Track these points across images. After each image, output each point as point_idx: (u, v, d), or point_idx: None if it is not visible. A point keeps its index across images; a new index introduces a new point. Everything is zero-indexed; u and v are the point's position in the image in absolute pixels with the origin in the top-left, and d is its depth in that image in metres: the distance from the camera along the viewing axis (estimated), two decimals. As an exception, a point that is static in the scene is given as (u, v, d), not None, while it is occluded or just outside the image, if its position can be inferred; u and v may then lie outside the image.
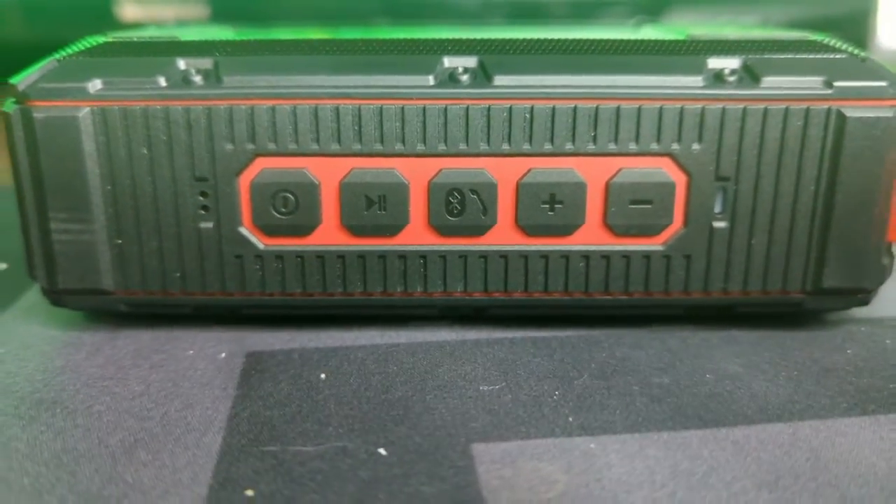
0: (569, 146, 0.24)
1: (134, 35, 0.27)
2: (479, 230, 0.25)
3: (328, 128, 0.24)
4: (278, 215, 0.24)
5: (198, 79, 0.24)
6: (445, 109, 0.24)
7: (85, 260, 0.25)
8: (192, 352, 0.25)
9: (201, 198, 0.24)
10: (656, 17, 0.57)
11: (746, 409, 0.22)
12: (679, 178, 0.24)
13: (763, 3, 0.58)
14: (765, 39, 0.26)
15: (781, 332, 0.27)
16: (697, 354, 0.25)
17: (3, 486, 0.19)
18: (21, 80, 0.24)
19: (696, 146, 0.24)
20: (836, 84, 0.24)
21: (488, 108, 0.24)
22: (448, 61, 0.24)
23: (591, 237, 0.25)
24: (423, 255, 0.25)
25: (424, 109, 0.24)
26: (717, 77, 0.24)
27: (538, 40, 0.26)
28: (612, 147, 0.24)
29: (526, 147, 0.24)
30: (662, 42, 0.26)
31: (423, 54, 0.25)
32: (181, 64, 0.24)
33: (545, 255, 0.25)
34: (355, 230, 0.25)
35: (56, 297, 0.26)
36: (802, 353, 0.25)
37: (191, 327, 0.27)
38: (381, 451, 0.20)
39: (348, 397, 0.22)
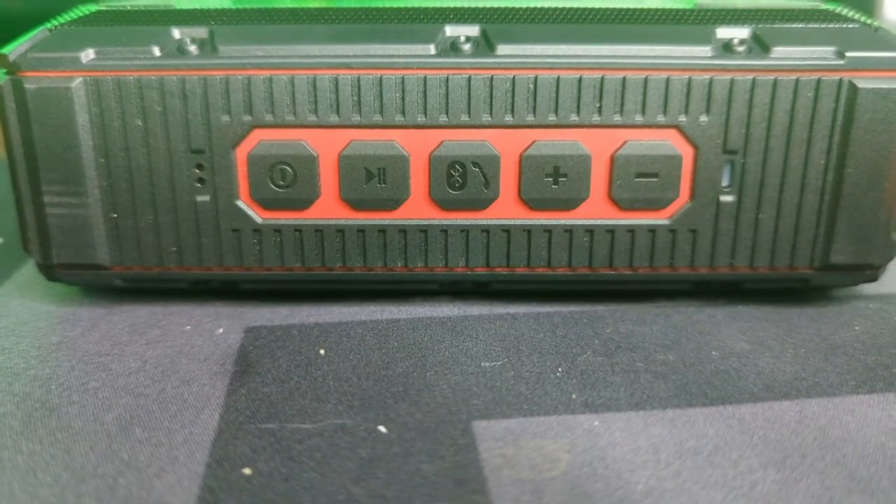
0: (573, 118, 0.23)
1: (127, 3, 0.26)
2: (482, 204, 0.24)
3: (327, 99, 0.23)
4: (276, 188, 0.24)
5: (193, 48, 0.23)
6: (447, 79, 0.23)
7: (79, 234, 0.24)
8: (189, 327, 0.25)
9: (197, 170, 0.24)
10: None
11: (753, 387, 0.21)
12: (686, 151, 0.24)
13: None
14: (775, 8, 0.25)
15: (788, 308, 0.26)
16: (703, 331, 0.25)
17: (-3, 464, 0.18)
18: (12, 50, 0.23)
19: (703, 118, 0.23)
20: (849, 54, 0.23)
21: (491, 79, 0.23)
22: (450, 30, 0.24)
23: (595, 211, 0.24)
24: (424, 230, 0.25)
25: (425, 79, 0.23)
26: (726, 47, 0.23)
27: (542, 9, 0.25)
28: (617, 119, 0.23)
29: (529, 118, 0.23)
30: (669, 11, 0.25)
31: (424, 23, 0.24)
32: (176, 33, 0.24)
33: (549, 230, 0.25)
34: (355, 204, 0.24)
35: (51, 271, 0.25)
36: (809, 330, 0.25)
37: (188, 302, 0.27)
38: (381, 428, 0.20)
39: (348, 373, 0.22)
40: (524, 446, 0.19)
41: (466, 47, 0.23)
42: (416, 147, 0.24)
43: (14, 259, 0.30)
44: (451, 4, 0.25)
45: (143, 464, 0.18)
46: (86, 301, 0.27)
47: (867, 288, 0.27)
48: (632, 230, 0.25)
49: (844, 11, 0.25)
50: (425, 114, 0.23)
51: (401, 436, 0.19)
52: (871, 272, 0.25)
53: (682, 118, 0.23)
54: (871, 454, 0.19)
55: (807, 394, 0.21)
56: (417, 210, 0.24)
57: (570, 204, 0.24)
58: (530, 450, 0.19)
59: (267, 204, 0.24)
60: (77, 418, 0.20)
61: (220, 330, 0.25)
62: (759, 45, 0.23)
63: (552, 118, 0.23)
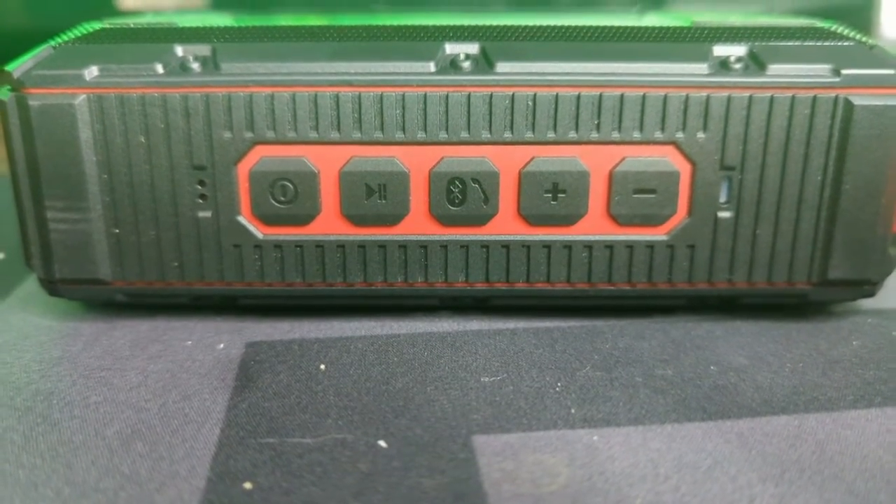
0: (572, 134, 0.24)
1: (131, 21, 0.27)
2: (481, 220, 0.24)
3: (328, 115, 0.23)
4: (277, 204, 0.24)
5: (196, 66, 0.24)
6: (447, 97, 0.23)
7: (82, 249, 0.24)
8: (190, 342, 0.25)
9: (199, 186, 0.24)
10: (660, 5, 0.56)
11: (751, 402, 0.22)
12: (683, 167, 0.24)
13: (767, -9, 0.57)
14: (771, 27, 0.25)
15: (786, 323, 0.26)
16: (701, 346, 0.25)
17: (-1, 478, 0.18)
18: (16, 67, 0.24)
19: (700, 135, 0.24)
20: (844, 72, 0.23)
21: (490, 96, 0.23)
22: (449, 48, 0.24)
23: (594, 227, 0.25)
24: (424, 245, 0.25)
25: (425, 96, 0.23)
26: (723, 64, 0.24)
27: (541, 27, 0.25)
28: (615, 135, 0.24)
29: (528, 135, 0.24)
30: (667, 29, 0.25)
31: (424, 41, 0.24)
32: (179, 51, 0.24)
33: (548, 245, 0.25)
34: (355, 219, 0.24)
35: (53, 286, 0.25)
36: (808, 345, 0.25)
37: (189, 317, 0.27)
38: (381, 443, 0.20)
39: (348, 388, 0.22)
40: (524, 461, 0.19)
41: (466, 65, 0.24)
42: (417, 163, 0.24)
43: (16, 274, 0.30)
44: (451, 23, 0.26)
45: (144, 478, 0.18)
46: (87, 316, 0.27)
47: (865, 303, 0.28)
48: (630, 246, 0.25)
49: (840, 29, 0.25)
50: (425, 130, 0.24)
51: (401, 450, 0.19)
52: (869, 287, 0.25)
53: (680, 135, 0.24)
54: (868, 468, 0.19)
55: (805, 408, 0.21)
56: (417, 226, 0.25)
57: (568, 220, 0.24)
58: (530, 464, 0.19)
59: (268, 220, 0.24)
60: (78, 433, 0.20)
61: (221, 345, 0.25)
62: (756, 62, 0.24)
63: (551, 135, 0.24)
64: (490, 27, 0.25)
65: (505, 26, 0.25)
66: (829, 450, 0.19)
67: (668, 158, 0.24)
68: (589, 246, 0.25)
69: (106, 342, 0.25)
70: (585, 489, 0.18)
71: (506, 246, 0.25)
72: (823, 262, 0.25)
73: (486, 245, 0.25)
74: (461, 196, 0.24)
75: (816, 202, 0.24)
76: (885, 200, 0.24)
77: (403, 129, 0.24)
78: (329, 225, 0.25)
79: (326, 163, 0.24)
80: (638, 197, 0.24)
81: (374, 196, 0.24)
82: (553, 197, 0.24)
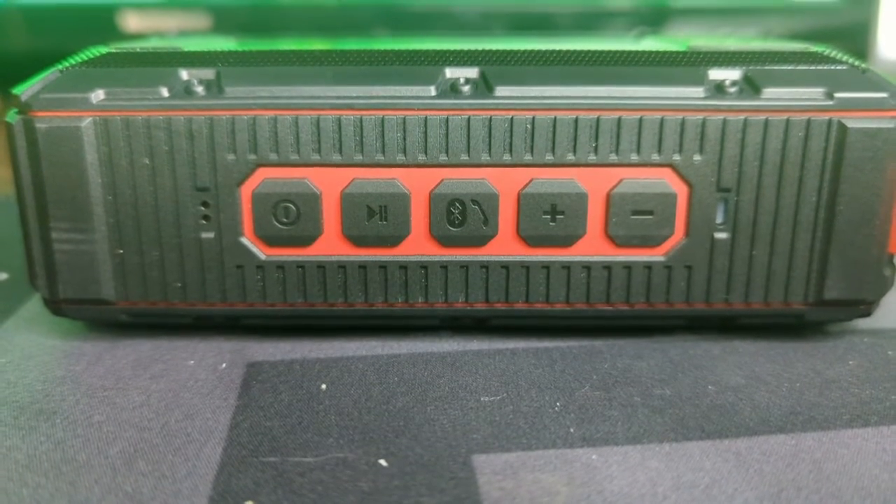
0: (570, 157, 0.24)
1: (136, 46, 0.27)
2: (481, 241, 0.25)
3: (330, 138, 0.24)
4: (279, 225, 0.24)
5: (200, 89, 0.24)
6: (447, 120, 0.24)
7: (86, 270, 0.25)
8: (192, 362, 0.25)
9: (203, 208, 0.24)
10: (657, 29, 0.57)
11: (748, 421, 0.22)
12: (680, 189, 0.24)
13: (763, 15, 0.58)
14: (765, 51, 0.26)
15: (783, 343, 0.27)
16: (699, 365, 0.25)
17: (3, 497, 0.19)
18: (23, 90, 0.24)
19: (697, 157, 0.24)
20: (837, 95, 0.24)
21: (490, 119, 0.24)
22: (450, 72, 0.24)
23: (592, 248, 0.25)
24: (425, 266, 0.25)
25: (426, 120, 0.24)
26: (718, 88, 0.24)
27: (540, 51, 0.26)
28: (613, 158, 0.24)
29: (527, 157, 0.24)
30: (663, 53, 0.26)
31: (424, 65, 0.25)
32: (183, 74, 0.24)
33: (546, 266, 0.25)
34: (356, 240, 0.25)
35: (57, 306, 0.26)
36: (804, 365, 0.25)
37: (191, 337, 0.27)
38: (382, 462, 0.20)
39: (349, 408, 0.22)
40: (523, 480, 0.19)
41: (466, 89, 0.24)
42: (417, 185, 0.24)
43: (20, 294, 0.31)
44: (451, 47, 0.26)
45: (146, 497, 0.19)
46: (90, 336, 0.27)
47: (861, 323, 0.28)
48: (628, 266, 0.25)
49: (833, 53, 0.26)
50: (426, 153, 0.24)
51: (401, 469, 0.20)
52: (865, 307, 0.26)
53: (677, 157, 0.24)
54: (865, 487, 0.19)
55: (802, 427, 0.21)
56: (418, 246, 0.25)
57: (567, 241, 0.25)
58: (529, 483, 0.19)
59: (270, 241, 0.25)
60: (81, 452, 0.20)
61: (223, 364, 0.25)
62: (751, 86, 0.24)
63: (549, 157, 0.24)
64: (489, 52, 0.26)
65: (504, 51, 0.26)
66: (826, 469, 0.20)
67: (665, 180, 0.24)
68: (587, 267, 0.25)
69: (109, 362, 0.25)
70: (584, 508, 0.18)
71: (505, 267, 0.25)
72: (819, 283, 0.25)
73: (485, 266, 0.25)
74: (461, 217, 0.24)
75: (812, 223, 0.24)
76: (879, 221, 0.24)
77: (404, 152, 0.24)
78: (330, 246, 0.25)
79: (328, 184, 0.24)
80: (635, 218, 0.24)
81: (375, 217, 0.24)
82: (552, 218, 0.24)
